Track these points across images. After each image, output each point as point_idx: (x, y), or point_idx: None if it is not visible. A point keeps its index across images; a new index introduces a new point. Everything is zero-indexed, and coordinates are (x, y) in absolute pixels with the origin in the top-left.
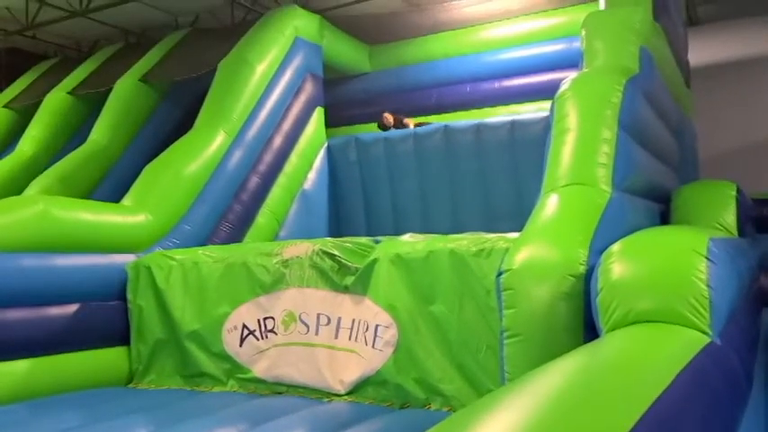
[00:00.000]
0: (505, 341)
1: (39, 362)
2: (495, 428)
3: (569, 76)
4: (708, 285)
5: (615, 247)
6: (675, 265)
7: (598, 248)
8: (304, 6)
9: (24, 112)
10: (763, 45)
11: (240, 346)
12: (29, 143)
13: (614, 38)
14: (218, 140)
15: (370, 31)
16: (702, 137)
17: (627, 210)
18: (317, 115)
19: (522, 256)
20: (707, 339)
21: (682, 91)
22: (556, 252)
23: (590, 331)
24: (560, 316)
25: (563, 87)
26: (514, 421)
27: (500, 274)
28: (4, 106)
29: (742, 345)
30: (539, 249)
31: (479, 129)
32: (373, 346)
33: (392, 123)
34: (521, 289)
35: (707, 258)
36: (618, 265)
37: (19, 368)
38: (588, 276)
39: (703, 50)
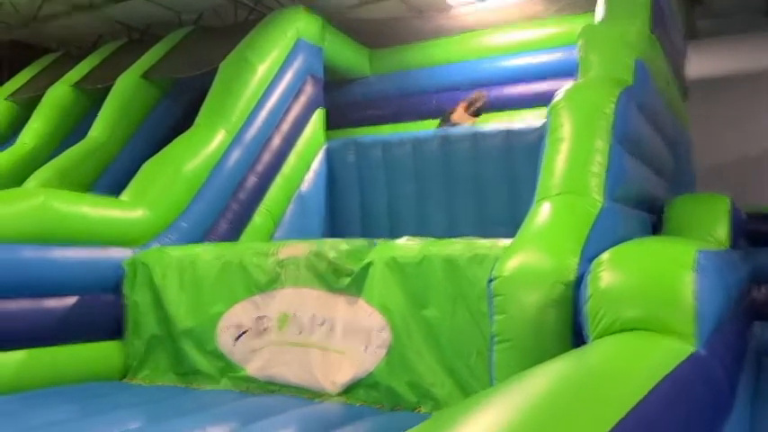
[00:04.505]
0: (495, 346)
1: (33, 353)
2: (475, 429)
3: (565, 85)
4: (694, 296)
5: (605, 255)
6: (663, 275)
7: (589, 257)
8: (306, 8)
9: (26, 105)
10: (760, 61)
11: (234, 344)
12: (30, 136)
13: (610, 49)
14: (218, 139)
15: (371, 35)
16: (699, 149)
17: (618, 219)
18: (317, 117)
19: (513, 263)
20: (691, 349)
21: (678, 103)
22: (547, 260)
23: (578, 338)
24: (549, 323)
25: (557, 97)
26: (494, 422)
27: (491, 280)
28: (6, 99)
29: (727, 356)
30: (530, 256)
31: (476, 136)
32: (366, 348)
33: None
34: (511, 295)
35: (695, 270)
36: (607, 273)
37: (14, 359)
38: (578, 284)
39: (702, 64)
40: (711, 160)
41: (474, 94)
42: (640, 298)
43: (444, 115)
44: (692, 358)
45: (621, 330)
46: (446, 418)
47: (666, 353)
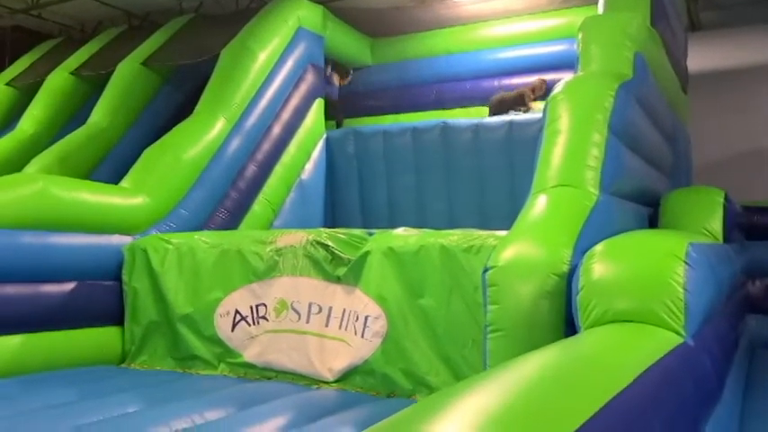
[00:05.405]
0: (489, 336)
1: (33, 338)
2: (463, 412)
3: (564, 78)
4: (684, 288)
5: (597, 247)
6: (654, 267)
7: (582, 249)
8: None
9: (26, 91)
10: (764, 53)
11: (232, 330)
12: (30, 122)
13: (609, 43)
14: (218, 127)
15: (372, 25)
16: (701, 142)
17: (613, 212)
18: (317, 106)
19: (508, 254)
20: (679, 340)
21: (678, 97)
22: (541, 251)
23: (571, 328)
24: (543, 313)
25: (556, 90)
26: (482, 405)
27: (486, 270)
28: (7, 84)
29: (716, 347)
30: (525, 248)
31: (477, 128)
32: (362, 336)
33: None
34: (505, 285)
35: (685, 262)
36: (599, 265)
37: (12, 343)
38: (571, 275)
39: (703, 56)
40: (713, 153)
41: (536, 81)
42: (631, 289)
43: (503, 99)
44: (680, 349)
45: (612, 321)
46: (435, 402)
47: (655, 343)
